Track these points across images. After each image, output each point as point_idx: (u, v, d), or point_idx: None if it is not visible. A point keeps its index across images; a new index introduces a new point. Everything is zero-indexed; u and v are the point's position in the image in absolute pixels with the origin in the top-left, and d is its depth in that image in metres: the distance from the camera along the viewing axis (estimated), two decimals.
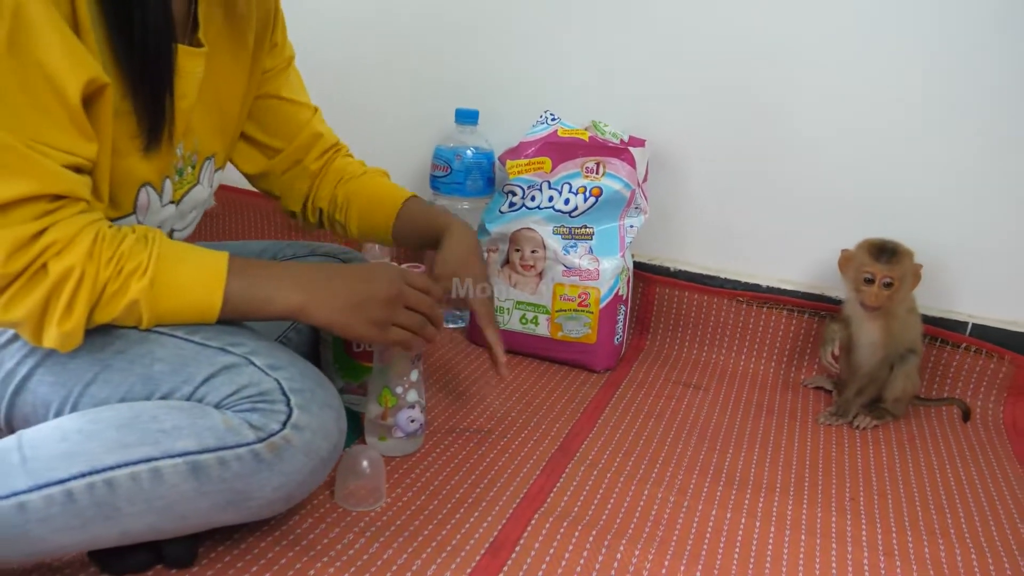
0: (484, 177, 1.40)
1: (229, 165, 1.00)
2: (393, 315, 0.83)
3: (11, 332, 0.76)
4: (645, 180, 1.31)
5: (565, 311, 1.28)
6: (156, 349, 0.74)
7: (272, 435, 0.71)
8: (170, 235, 0.86)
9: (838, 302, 1.29)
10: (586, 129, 1.27)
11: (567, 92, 1.42)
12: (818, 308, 1.34)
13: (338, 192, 1.05)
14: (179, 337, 0.75)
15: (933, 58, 1.20)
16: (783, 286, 1.37)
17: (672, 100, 1.36)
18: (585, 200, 1.25)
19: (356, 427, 1.00)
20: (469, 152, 1.38)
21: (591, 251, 1.26)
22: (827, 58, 1.25)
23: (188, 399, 0.73)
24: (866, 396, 1.18)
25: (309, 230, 1.10)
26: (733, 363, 1.39)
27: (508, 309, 1.31)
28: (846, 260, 1.18)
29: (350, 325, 0.80)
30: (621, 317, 1.31)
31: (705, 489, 0.97)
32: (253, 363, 0.75)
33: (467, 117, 1.39)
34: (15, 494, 0.66)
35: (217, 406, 0.73)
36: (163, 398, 0.74)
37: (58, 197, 0.66)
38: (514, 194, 1.28)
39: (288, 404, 0.73)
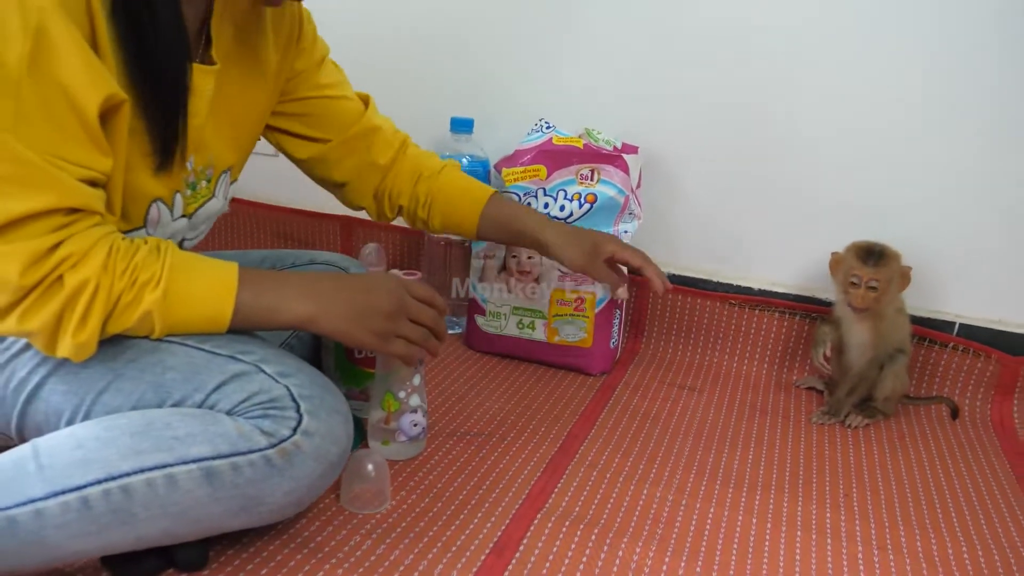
0: None
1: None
2: (396, 327, 0.85)
3: (23, 342, 0.77)
4: (639, 186, 1.34)
5: (561, 316, 1.30)
6: (167, 358, 0.76)
7: (283, 441, 0.73)
8: (180, 244, 0.87)
9: (829, 304, 1.31)
10: (580, 137, 1.29)
11: (561, 100, 1.44)
12: (809, 310, 1.36)
13: (419, 190, 1.08)
14: (190, 346, 0.77)
15: (929, 61, 1.22)
16: (775, 289, 1.39)
17: (664, 108, 1.38)
18: (580, 206, 1.27)
19: (359, 432, 1.01)
20: (465, 160, 1.40)
21: None
22: (819, 63, 1.28)
23: (200, 406, 0.75)
24: (857, 395, 1.21)
25: (382, 221, 1.13)
26: (727, 365, 1.41)
27: (505, 315, 1.33)
28: (836, 263, 1.21)
29: (355, 335, 0.82)
30: (616, 321, 1.33)
31: (703, 488, 0.99)
32: (263, 371, 0.76)
33: (462, 126, 1.41)
34: (32, 501, 0.67)
35: (228, 413, 0.74)
36: (175, 406, 0.75)
37: (74, 211, 0.67)
38: None
39: (298, 410, 0.75)
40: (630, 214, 1.32)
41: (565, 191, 1.28)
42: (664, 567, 0.83)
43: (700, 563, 0.84)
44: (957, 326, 1.30)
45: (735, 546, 0.87)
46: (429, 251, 1.47)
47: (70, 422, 0.76)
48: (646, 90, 1.38)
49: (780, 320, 1.39)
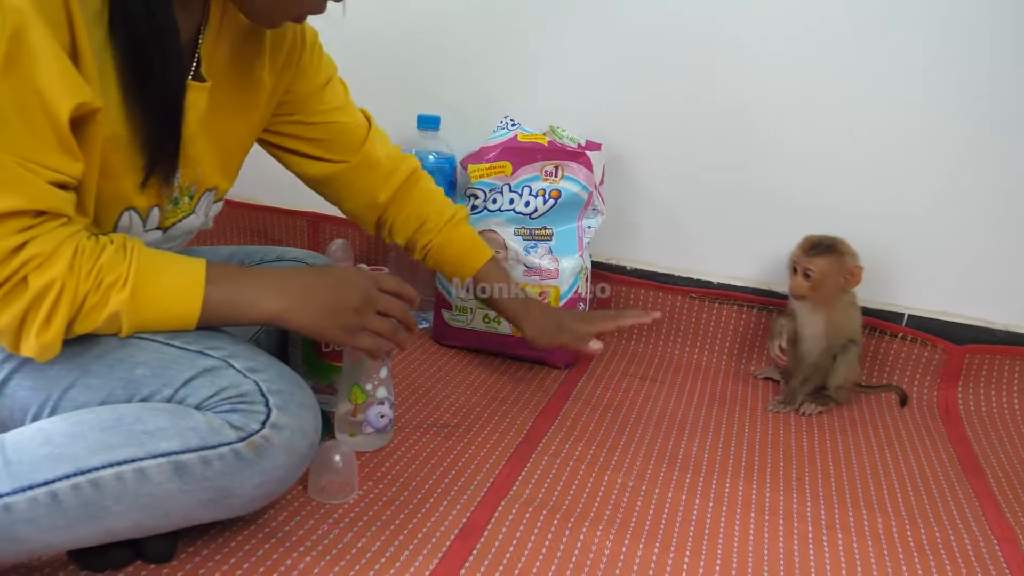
0: (446, 181, 1.45)
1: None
2: (364, 321, 0.86)
3: None
4: (602, 183, 1.37)
5: None
6: (136, 353, 0.76)
7: (252, 435, 0.74)
8: None
9: (785, 297, 1.35)
10: (545, 134, 1.32)
11: (526, 98, 1.47)
12: (766, 303, 1.41)
13: (418, 238, 1.11)
14: (159, 341, 0.77)
15: (884, 63, 1.27)
16: (733, 283, 1.44)
17: (627, 105, 1.42)
18: (544, 202, 1.30)
19: (326, 425, 1.03)
20: (431, 157, 1.42)
21: (551, 251, 1.32)
22: (777, 64, 1.32)
23: (169, 401, 0.76)
24: (811, 384, 1.26)
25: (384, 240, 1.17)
26: (687, 356, 1.45)
27: (471, 309, 1.36)
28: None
29: (323, 330, 0.84)
30: None
31: (662, 474, 1.02)
32: (232, 366, 0.78)
33: (429, 123, 1.43)
34: (0, 496, 0.68)
35: (198, 407, 0.75)
36: (144, 401, 0.76)
37: (41, 213, 0.68)
38: (476, 197, 1.33)
39: (267, 405, 0.76)
40: (593, 210, 1.35)
41: (530, 187, 1.30)
42: (623, 550, 0.86)
43: (658, 545, 0.87)
44: (906, 317, 1.35)
45: (692, 528, 0.91)
46: (396, 247, 1.49)
47: (36, 417, 0.76)
48: (610, 89, 1.42)
49: (738, 313, 1.43)
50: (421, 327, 1.48)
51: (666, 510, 0.94)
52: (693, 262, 1.46)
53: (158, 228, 0.85)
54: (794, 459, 1.10)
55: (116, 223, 0.79)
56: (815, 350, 1.25)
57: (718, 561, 0.85)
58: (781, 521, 0.94)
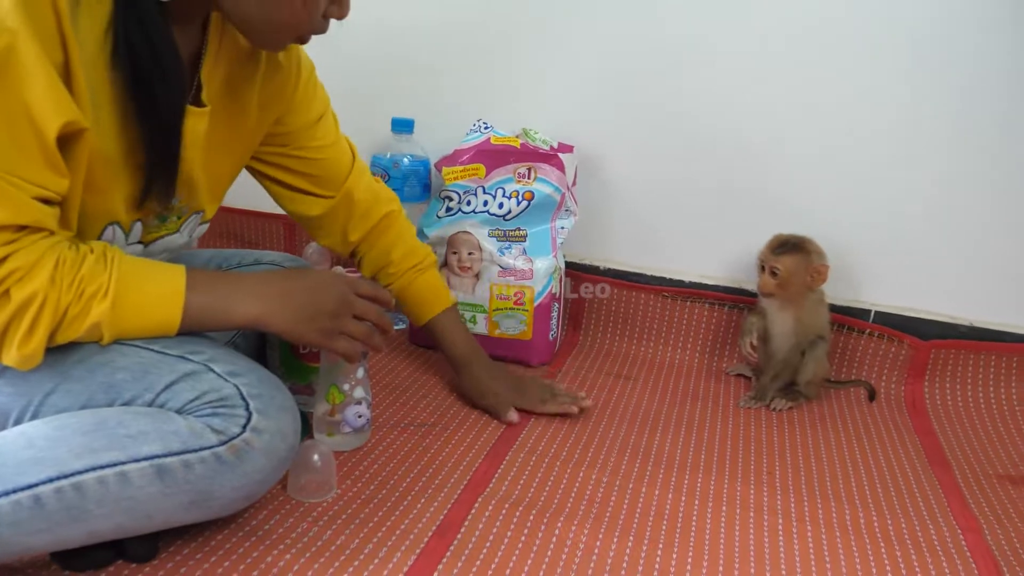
0: (421, 183, 1.46)
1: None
2: (341, 324, 0.88)
3: None
4: (574, 184, 1.39)
5: (502, 310, 1.34)
6: (117, 358, 0.77)
7: (233, 438, 0.75)
8: None
9: (755, 295, 1.38)
10: (517, 136, 1.34)
11: (498, 101, 1.49)
12: (737, 301, 1.43)
13: (380, 277, 1.15)
14: (139, 346, 0.78)
15: (850, 66, 1.30)
16: (705, 281, 1.46)
17: (598, 108, 1.44)
18: (518, 204, 1.32)
19: (304, 426, 1.04)
20: (406, 160, 1.43)
21: (525, 252, 1.33)
22: (746, 69, 1.35)
23: (150, 405, 0.77)
24: (781, 380, 1.28)
25: None
26: (660, 354, 1.47)
27: None
28: None
29: (302, 334, 0.85)
30: (555, 314, 1.38)
31: (636, 469, 1.04)
32: (213, 370, 0.78)
33: (403, 126, 1.44)
34: None
35: (179, 412, 0.76)
36: (125, 405, 0.77)
37: (23, 227, 0.68)
38: (450, 199, 1.34)
39: (247, 408, 0.77)
40: (566, 211, 1.37)
41: (503, 189, 1.32)
42: (598, 544, 0.88)
43: (632, 538, 0.89)
44: (873, 313, 1.38)
45: (665, 522, 0.93)
46: None
47: (17, 422, 0.77)
48: (581, 92, 1.44)
49: (710, 311, 1.46)
50: (397, 328, 1.49)
51: (640, 504, 0.96)
52: (665, 261, 1.49)
53: (139, 242, 0.85)
54: (765, 454, 1.12)
55: (100, 236, 0.80)
56: (784, 347, 1.28)
57: (690, 553, 0.87)
58: (752, 514, 0.96)
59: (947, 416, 1.30)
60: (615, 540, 0.88)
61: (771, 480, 1.05)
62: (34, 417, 0.77)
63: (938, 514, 1.00)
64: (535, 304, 1.33)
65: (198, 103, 0.83)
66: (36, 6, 0.63)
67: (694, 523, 0.93)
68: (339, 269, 1.15)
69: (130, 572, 0.77)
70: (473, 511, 0.91)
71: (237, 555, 0.81)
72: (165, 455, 0.73)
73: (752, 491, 1.01)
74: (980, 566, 0.89)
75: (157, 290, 0.77)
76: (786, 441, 1.17)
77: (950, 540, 0.94)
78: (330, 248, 1.14)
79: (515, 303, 1.34)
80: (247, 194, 1.29)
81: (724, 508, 0.97)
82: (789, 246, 1.23)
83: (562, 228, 1.36)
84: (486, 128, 1.35)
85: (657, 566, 0.85)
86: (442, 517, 0.90)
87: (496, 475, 1.00)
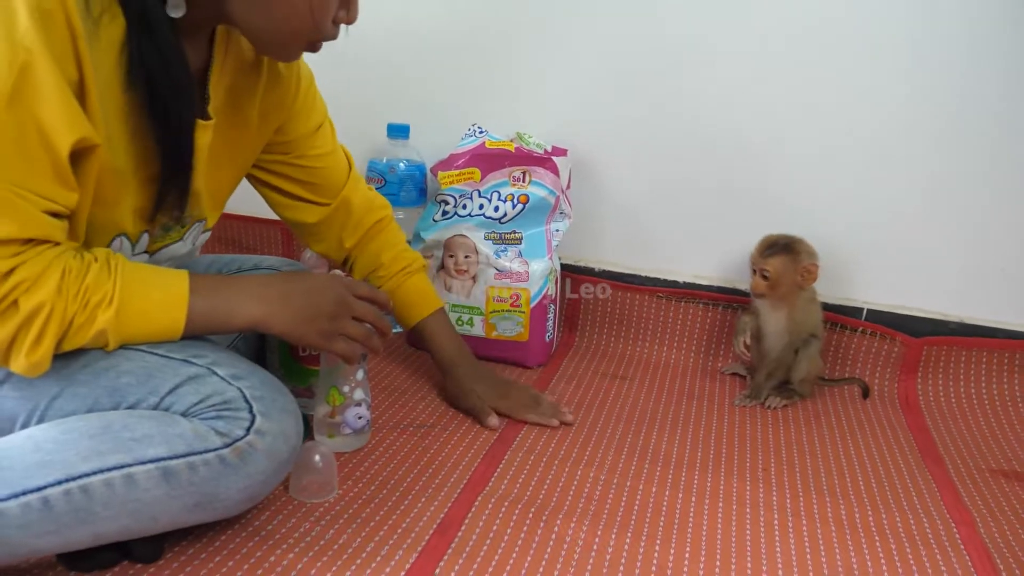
0: (416, 188, 1.47)
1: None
2: (340, 326, 0.90)
3: None
4: (568, 187, 1.40)
5: (498, 312, 1.35)
6: (122, 362, 0.78)
7: (237, 440, 0.77)
8: None
9: (748, 295, 1.39)
10: (512, 140, 1.36)
11: (493, 106, 1.50)
12: (731, 301, 1.45)
13: (371, 280, 1.15)
14: (143, 351, 0.79)
15: (843, 66, 1.32)
16: (698, 281, 1.48)
17: (591, 112, 1.45)
18: (513, 207, 1.34)
19: (305, 427, 1.05)
20: (402, 165, 1.45)
21: (520, 255, 1.35)
22: (737, 72, 1.36)
23: (155, 409, 0.78)
24: (775, 379, 1.30)
25: None
26: (656, 354, 1.49)
27: None
28: None
29: (302, 335, 0.87)
30: (551, 315, 1.40)
31: (633, 467, 1.06)
32: (216, 373, 0.80)
33: (398, 131, 1.45)
34: None
35: (184, 414, 0.77)
36: (130, 408, 0.78)
37: (32, 240, 0.70)
38: (446, 203, 1.36)
39: (251, 411, 0.78)
40: (561, 213, 1.39)
41: (499, 192, 1.34)
42: (596, 540, 0.89)
43: (630, 535, 0.90)
44: (865, 311, 1.40)
45: (662, 518, 0.94)
46: None
47: (24, 426, 0.78)
48: (574, 96, 1.45)
49: (704, 311, 1.47)
50: (396, 331, 1.50)
51: (637, 501, 0.97)
52: (659, 262, 1.50)
53: (145, 252, 0.87)
54: (760, 451, 1.13)
55: (108, 247, 0.81)
56: (778, 346, 1.29)
57: (687, 548, 0.89)
58: (748, 510, 0.98)
59: (940, 412, 1.32)
60: (613, 536, 0.90)
61: (767, 476, 1.06)
62: (40, 421, 0.78)
63: (932, 508, 1.01)
64: (531, 306, 1.35)
65: (204, 116, 0.84)
66: (53, 26, 0.65)
67: (691, 519, 0.95)
68: (337, 272, 1.16)
69: (135, 573, 0.78)
70: (473, 510, 0.92)
71: (241, 555, 0.82)
72: (170, 457, 0.74)
73: (748, 487, 1.03)
74: (974, 558, 0.91)
75: (161, 296, 0.78)
76: (781, 438, 1.18)
77: (944, 533, 0.96)
78: (324, 254, 1.16)
79: (511, 305, 1.35)
80: (245, 201, 1.30)
81: (720, 504, 0.98)
82: (777, 247, 1.25)
83: (557, 230, 1.38)
84: (481, 132, 1.36)
85: (655, 562, 0.86)
86: (442, 516, 0.91)
87: (495, 474, 1.01)
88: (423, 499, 0.94)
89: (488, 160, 1.33)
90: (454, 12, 1.47)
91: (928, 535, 0.95)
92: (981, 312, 1.36)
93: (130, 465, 0.73)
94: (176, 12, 0.74)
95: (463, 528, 0.89)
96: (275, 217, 1.35)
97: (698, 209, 1.45)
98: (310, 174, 1.06)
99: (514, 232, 1.35)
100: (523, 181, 1.33)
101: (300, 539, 0.85)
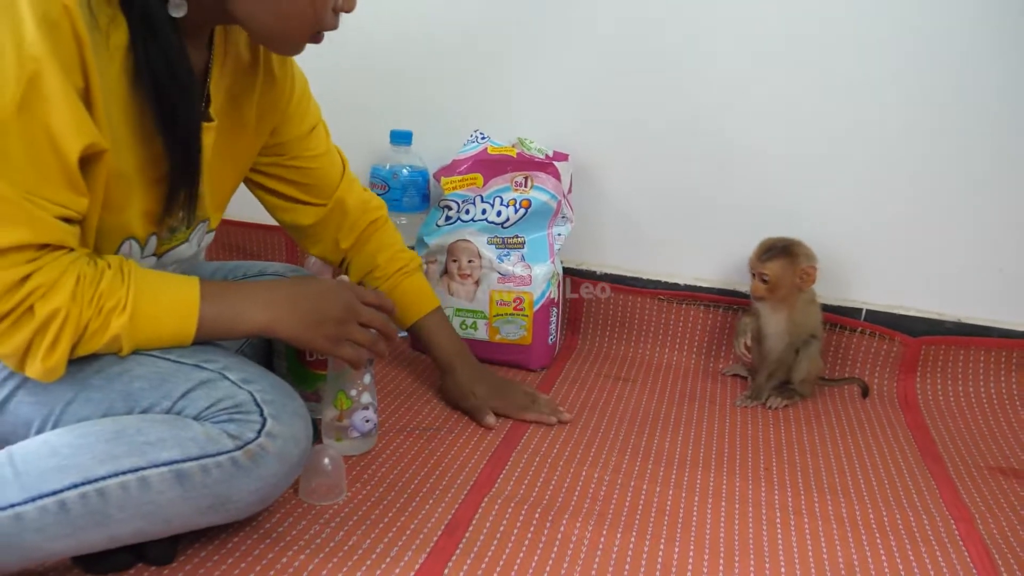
0: (420, 193, 1.49)
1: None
2: (347, 331, 0.91)
3: None
4: (570, 191, 1.42)
5: (502, 315, 1.37)
6: (134, 368, 0.80)
7: (249, 443, 0.78)
8: None
9: (748, 296, 1.41)
10: (513, 146, 1.37)
11: (494, 112, 1.52)
12: (731, 303, 1.47)
13: (367, 282, 1.17)
14: (156, 356, 0.81)
15: (837, 75, 1.34)
16: (699, 284, 1.49)
17: (592, 116, 1.47)
18: (516, 212, 1.35)
19: (313, 431, 1.06)
20: (405, 171, 1.46)
21: (523, 259, 1.36)
22: (736, 77, 1.38)
23: (167, 413, 0.79)
24: (776, 379, 1.31)
25: None
26: (658, 356, 1.50)
27: (448, 316, 1.39)
28: None
29: (309, 340, 0.88)
30: (554, 319, 1.41)
31: (637, 467, 1.07)
32: (227, 377, 0.81)
33: (401, 138, 1.47)
34: (11, 506, 0.71)
35: (196, 418, 0.79)
36: (143, 412, 0.79)
37: (46, 245, 0.71)
38: (450, 208, 1.37)
39: (262, 414, 0.80)
40: (563, 218, 1.40)
41: (501, 197, 1.35)
42: (602, 540, 0.90)
43: (634, 534, 0.92)
44: (864, 312, 1.42)
45: (666, 517, 0.96)
46: None
47: (39, 431, 0.79)
48: (575, 101, 1.47)
49: (705, 313, 1.49)
50: (401, 335, 1.51)
51: (641, 501, 0.99)
52: (660, 265, 1.52)
53: (153, 255, 0.88)
54: (762, 450, 1.15)
55: (117, 251, 0.82)
56: (778, 347, 1.31)
57: (691, 547, 0.90)
58: (751, 509, 0.99)
59: (938, 410, 1.33)
60: (618, 536, 0.91)
61: (768, 476, 1.08)
62: (55, 426, 0.79)
63: (931, 505, 1.03)
64: (534, 309, 1.36)
65: (207, 117, 0.86)
66: (59, 35, 0.66)
67: (695, 518, 0.96)
68: (344, 277, 1.18)
69: (150, 575, 0.80)
70: (480, 510, 0.94)
71: (253, 557, 0.83)
72: (184, 460, 0.75)
73: (750, 487, 1.04)
74: (972, 555, 0.92)
75: (172, 302, 0.79)
76: (782, 438, 1.19)
77: (943, 530, 0.97)
78: (321, 256, 1.17)
79: (515, 309, 1.36)
80: (249, 207, 1.33)
81: (723, 504, 1.00)
82: (775, 251, 1.27)
83: (559, 235, 1.39)
84: (483, 138, 1.38)
85: (660, 561, 0.87)
86: (450, 517, 0.92)
87: (501, 475, 1.02)
88: (431, 501, 0.96)
89: (490, 165, 1.35)
90: (456, 20, 1.49)
91: (928, 532, 0.97)
92: (978, 311, 1.38)
93: (144, 468, 0.74)
94: (178, 12, 0.75)
95: (471, 529, 0.90)
96: (278, 224, 1.37)
97: (698, 212, 1.47)
98: (305, 175, 1.07)
99: (517, 236, 1.37)
100: (525, 186, 1.35)
101: (311, 541, 0.86)
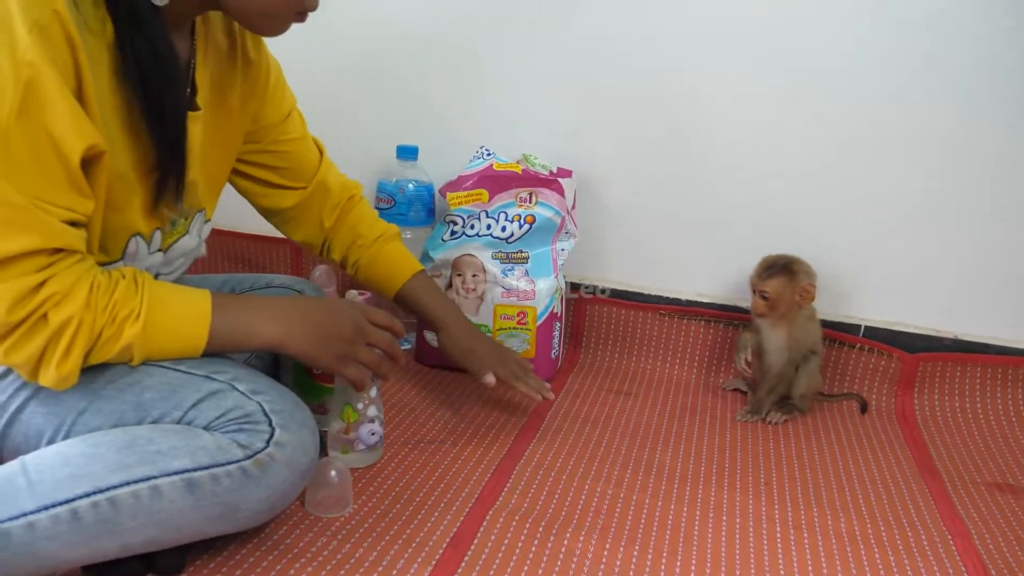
0: (425, 208, 1.51)
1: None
2: (354, 351, 0.92)
3: (3, 368, 0.81)
4: (574, 207, 1.44)
5: (505, 329, 1.39)
6: (145, 379, 0.81)
7: (258, 452, 0.79)
8: (156, 277, 0.92)
9: (749, 312, 1.42)
10: (518, 162, 1.39)
11: (500, 129, 1.53)
12: (732, 318, 1.48)
13: (350, 254, 1.17)
14: (166, 367, 0.82)
15: (839, 92, 1.36)
16: (701, 299, 1.51)
17: (596, 134, 1.49)
18: (520, 227, 1.37)
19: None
20: (411, 185, 1.48)
21: (527, 273, 1.38)
22: (737, 94, 1.40)
23: (178, 423, 0.81)
24: (776, 394, 1.33)
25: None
26: (659, 371, 1.52)
27: None
28: None
29: (317, 357, 0.89)
30: (557, 333, 1.43)
31: (639, 481, 1.09)
32: (236, 388, 0.83)
33: (408, 153, 1.49)
34: (24, 515, 0.72)
35: (206, 428, 0.80)
36: (154, 423, 0.81)
37: (57, 251, 0.72)
38: (455, 223, 1.39)
39: (270, 424, 0.81)
40: (566, 233, 1.42)
41: (506, 213, 1.37)
42: (605, 553, 0.92)
43: (637, 548, 0.93)
44: (863, 328, 1.43)
45: (668, 532, 0.97)
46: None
47: (51, 442, 0.81)
48: (579, 119, 1.49)
49: (706, 328, 1.50)
50: (404, 348, 1.52)
51: (644, 515, 1.00)
52: (662, 281, 1.53)
53: (159, 250, 0.89)
54: (762, 465, 1.16)
55: (124, 249, 0.83)
56: (778, 362, 1.33)
57: (693, 561, 0.92)
58: (751, 523, 1.00)
59: (936, 426, 1.35)
60: (621, 549, 0.92)
61: (768, 490, 1.09)
62: (67, 437, 0.80)
63: (928, 520, 1.04)
64: (538, 323, 1.38)
65: (194, 107, 0.87)
66: (52, 39, 0.67)
67: (696, 532, 0.97)
68: (352, 294, 1.19)
69: None
70: (484, 524, 0.95)
71: (261, 568, 0.84)
72: (195, 469, 0.77)
73: (751, 501, 1.06)
74: (969, 569, 0.94)
75: (185, 313, 0.81)
76: (782, 453, 1.21)
77: (940, 545, 0.99)
78: (304, 241, 1.17)
79: (518, 323, 1.38)
80: (255, 219, 1.35)
81: (724, 517, 1.01)
82: (776, 269, 1.28)
83: (563, 250, 1.41)
84: (488, 155, 1.40)
85: (662, 573, 0.89)
86: (455, 530, 0.94)
87: (505, 489, 1.04)
88: (436, 513, 0.97)
89: (496, 181, 1.37)
90: (464, 39, 1.51)
91: (925, 546, 0.98)
92: (975, 328, 1.40)
93: (156, 477, 0.75)
94: (162, 0, 0.76)
95: (475, 542, 0.92)
96: (283, 236, 1.39)
97: (700, 229, 1.48)
98: (284, 159, 1.08)
99: (521, 251, 1.38)
100: (530, 202, 1.36)
101: (318, 553, 0.88)
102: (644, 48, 1.42)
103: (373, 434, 1.05)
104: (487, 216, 1.38)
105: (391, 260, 1.17)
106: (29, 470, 0.75)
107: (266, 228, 1.69)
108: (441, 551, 0.89)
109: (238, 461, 0.78)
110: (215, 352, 0.84)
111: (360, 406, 1.04)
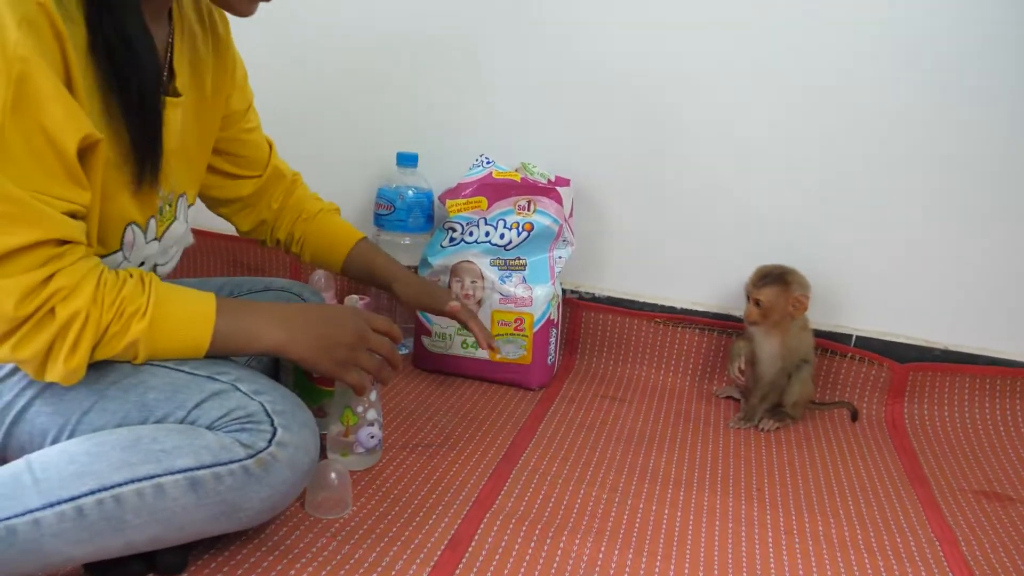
0: (424, 215, 1.52)
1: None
2: (355, 357, 0.94)
3: (9, 366, 0.82)
4: (571, 216, 1.46)
5: (502, 335, 1.40)
6: (149, 379, 0.83)
7: (260, 452, 0.81)
8: (153, 270, 0.93)
9: (743, 321, 1.44)
10: (517, 171, 1.41)
11: (499, 136, 1.55)
12: (726, 326, 1.50)
13: (295, 230, 1.18)
14: (169, 368, 0.83)
15: (831, 105, 1.38)
16: (695, 307, 1.53)
17: (594, 144, 1.50)
18: (518, 235, 1.39)
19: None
20: (410, 192, 1.49)
21: (524, 280, 1.40)
22: (734, 103, 1.42)
23: (181, 422, 0.82)
24: (768, 402, 1.35)
25: (264, 246, 1.23)
26: (653, 378, 1.53)
27: (450, 335, 1.43)
28: None
29: (318, 362, 0.91)
30: (553, 339, 1.44)
31: (633, 486, 1.10)
32: (239, 389, 0.84)
33: (408, 160, 1.50)
34: (30, 512, 0.73)
35: (209, 428, 0.81)
36: (158, 422, 0.82)
37: (61, 242, 0.73)
38: (454, 230, 1.41)
39: (272, 424, 0.82)
40: (564, 241, 1.44)
41: (504, 220, 1.39)
42: (600, 556, 0.93)
43: (631, 551, 0.95)
44: (854, 338, 1.46)
45: (662, 535, 0.99)
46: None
47: (55, 441, 0.82)
48: (577, 128, 1.51)
49: (700, 336, 1.52)
50: (402, 352, 1.54)
51: (638, 519, 1.02)
52: (657, 289, 1.55)
53: (155, 239, 0.91)
54: (754, 471, 1.18)
55: (122, 239, 0.84)
56: (771, 370, 1.35)
57: (686, 564, 0.93)
58: (743, 528, 1.02)
59: (925, 435, 1.37)
60: (616, 552, 0.94)
61: (760, 496, 1.11)
62: (71, 436, 0.81)
63: (917, 527, 1.06)
64: (534, 330, 1.39)
65: (174, 92, 0.88)
66: (41, 32, 0.68)
67: (689, 536, 0.99)
68: (352, 298, 1.21)
69: None
70: (482, 526, 0.97)
71: (262, 568, 0.85)
72: (198, 468, 0.78)
73: (743, 506, 1.07)
74: (956, 575, 0.96)
75: (190, 314, 0.82)
76: (774, 459, 1.23)
77: (928, 551, 1.01)
78: (251, 228, 1.18)
79: (515, 329, 1.40)
80: None
81: (717, 522, 1.03)
82: (771, 278, 1.31)
83: (560, 257, 1.43)
84: (488, 163, 1.42)
85: None
86: (453, 532, 0.95)
87: (502, 492, 1.05)
88: (434, 516, 0.98)
89: (495, 189, 1.38)
90: (464, 48, 1.53)
91: (913, 553, 1.00)
92: (965, 339, 1.42)
93: (160, 475, 0.76)
94: None
95: (473, 544, 0.93)
96: None
97: (695, 238, 1.51)
98: (243, 147, 1.10)
99: (519, 259, 1.40)
100: (528, 210, 1.38)
101: (318, 554, 0.89)
102: (642, 60, 1.44)
103: (372, 437, 1.07)
104: (486, 223, 1.39)
105: (336, 230, 1.20)
106: (35, 468, 0.76)
107: None
108: (439, 553, 0.91)
109: (241, 460, 0.80)
110: (217, 354, 0.85)
111: (360, 410, 1.05)
